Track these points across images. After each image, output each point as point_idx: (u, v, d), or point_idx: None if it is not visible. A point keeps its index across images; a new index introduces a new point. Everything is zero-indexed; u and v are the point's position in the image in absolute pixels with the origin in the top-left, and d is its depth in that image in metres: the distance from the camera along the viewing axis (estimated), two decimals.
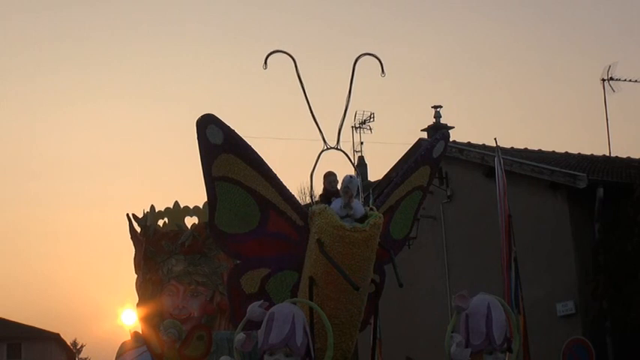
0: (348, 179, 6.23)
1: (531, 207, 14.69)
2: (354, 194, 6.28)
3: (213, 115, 6.37)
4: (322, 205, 6.32)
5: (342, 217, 6.19)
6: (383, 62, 6.79)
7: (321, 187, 6.69)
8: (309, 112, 6.58)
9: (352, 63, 6.70)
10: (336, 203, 6.32)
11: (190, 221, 8.32)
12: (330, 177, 6.55)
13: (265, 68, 6.58)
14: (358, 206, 6.36)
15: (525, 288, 10.07)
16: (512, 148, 17.20)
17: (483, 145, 16.50)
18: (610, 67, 17.58)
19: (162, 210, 8.36)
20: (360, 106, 21.97)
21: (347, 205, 6.20)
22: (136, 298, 8.32)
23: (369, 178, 21.55)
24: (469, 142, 16.85)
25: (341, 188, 6.28)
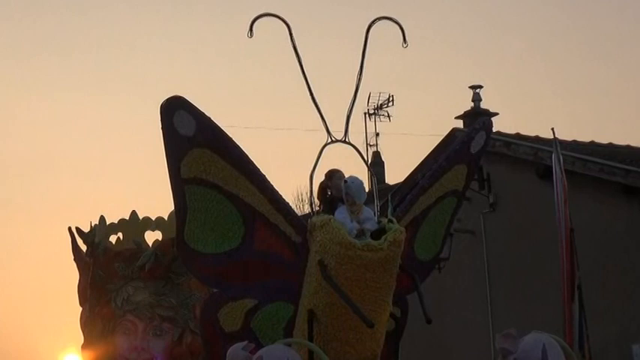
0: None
1: (600, 218, 14.68)
2: (361, 201, 6.30)
3: (182, 97, 6.37)
4: (325, 216, 6.32)
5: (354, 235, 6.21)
6: (405, 29, 6.80)
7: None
8: (308, 94, 6.59)
9: (365, 30, 6.72)
10: (343, 212, 6.33)
11: (152, 237, 8.32)
12: (336, 175, 6.56)
13: (251, 36, 6.60)
14: (371, 216, 6.36)
15: (592, 325, 10.04)
16: (574, 141, 17.20)
17: (536, 137, 16.50)
18: None
19: (116, 222, 8.36)
20: (375, 87, 22.02)
21: (352, 214, 6.22)
22: (81, 338, 8.33)
23: (386, 180, 21.56)
24: (518, 134, 16.86)
25: (344, 195, 6.30)
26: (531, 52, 41.56)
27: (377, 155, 22.48)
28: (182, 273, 8.00)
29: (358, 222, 6.27)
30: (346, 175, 6.49)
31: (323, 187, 6.65)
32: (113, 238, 8.37)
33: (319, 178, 6.59)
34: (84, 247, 8.41)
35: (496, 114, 17.96)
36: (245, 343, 5.85)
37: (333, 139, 6.62)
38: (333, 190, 6.56)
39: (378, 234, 6.23)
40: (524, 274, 15.80)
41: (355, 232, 6.22)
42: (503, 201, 16.55)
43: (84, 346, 8.26)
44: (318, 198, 6.73)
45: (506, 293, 16.19)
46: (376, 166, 21.21)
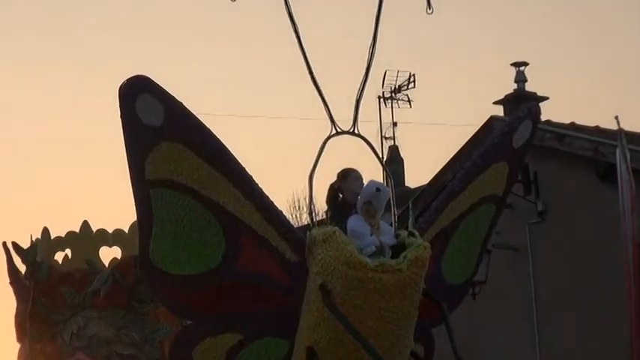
0: (375, 189, 6.24)
1: None
2: (380, 211, 6.28)
3: (146, 77, 6.39)
4: (329, 228, 6.31)
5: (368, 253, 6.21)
6: None
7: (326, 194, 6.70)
8: (307, 74, 6.60)
9: None
10: (359, 220, 6.31)
11: (109, 254, 8.32)
12: (351, 176, 6.55)
13: (233, 0, 6.62)
14: (387, 229, 6.35)
15: None
16: None
17: (597, 127, 16.50)
18: None
19: (63, 236, 8.36)
20: (392, 65, 21.96)
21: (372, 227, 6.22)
22: None
23: (406, 182, 21.57)
24: (573, 124, 16.85)
25: (359, 203, 6.27)
26: (589, 22, 41.53)
27: (394, 150, 22.47)
28: (147, 300, 8.02)
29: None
30: (362, 177, 6.49)
31: (334, 189, 6.64)
32: (59, 256, 8.37)
33: (320, 179, 6.58)
34: (23, 268, 8.41)
35: (545, 98, 17.97)
36: None
37: (339, 130, 6.62)
38: (347, 193, 6.56)
39: (396, 251, 6.23)
40: (580, 300, 15.78)
41: (374, 247, 6.20)
42: (554, 208, 16.53)
43: None
44: (326, 202, 6.72)
45: (557, 324, 16.18)
46: (393, 163, 21.20)
